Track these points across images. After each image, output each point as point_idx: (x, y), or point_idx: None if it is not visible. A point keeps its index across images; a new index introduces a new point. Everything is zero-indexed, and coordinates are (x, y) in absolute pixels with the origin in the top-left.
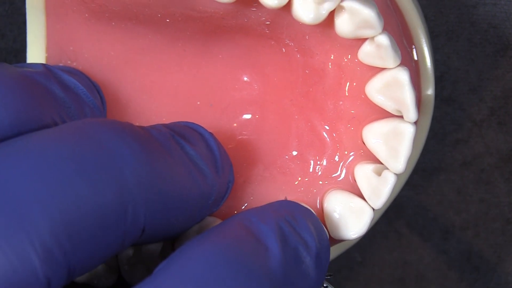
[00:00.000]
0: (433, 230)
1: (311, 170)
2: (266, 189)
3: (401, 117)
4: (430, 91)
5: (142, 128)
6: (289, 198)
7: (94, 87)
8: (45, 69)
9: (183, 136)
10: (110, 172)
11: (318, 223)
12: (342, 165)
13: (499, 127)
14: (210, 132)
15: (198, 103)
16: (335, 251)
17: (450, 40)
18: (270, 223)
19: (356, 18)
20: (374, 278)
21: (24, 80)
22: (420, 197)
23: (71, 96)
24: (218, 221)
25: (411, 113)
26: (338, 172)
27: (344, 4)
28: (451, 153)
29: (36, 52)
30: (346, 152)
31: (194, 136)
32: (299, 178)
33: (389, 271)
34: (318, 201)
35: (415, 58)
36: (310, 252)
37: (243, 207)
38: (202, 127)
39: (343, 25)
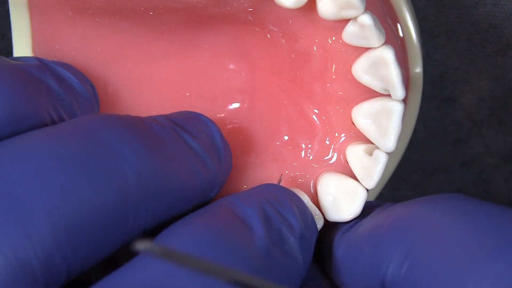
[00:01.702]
0: None
1: (302, 154)
2: (259, 176)
3: (389, 95)
4: (418, 68)
5: (143, 122)
6: (282, 185)
7: (86, 80)
8: (39, 62)
9: (185, 128)
10: (112, 173)
11: (303, 206)
12: (333, 147)
13: (499, 127)
14: (212, 122)
15: (187, 94)
16: None
17: (450, 40)
18: (254, 205)
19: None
20: None
21: (19, 73)
22: (420, 197)
23: (65, 89)
24: None
25: (398, 91)
26: (330, 155)
27: None
28: (451, 153)
29: (22, 51)
30: (336, 134)
31: (196, 127)
32: (292, 163)
33: None
34: (311, 185)
35: (401, 35)
36: (294, 233)
37: None
38: (205, 117)
39: (326, 7)
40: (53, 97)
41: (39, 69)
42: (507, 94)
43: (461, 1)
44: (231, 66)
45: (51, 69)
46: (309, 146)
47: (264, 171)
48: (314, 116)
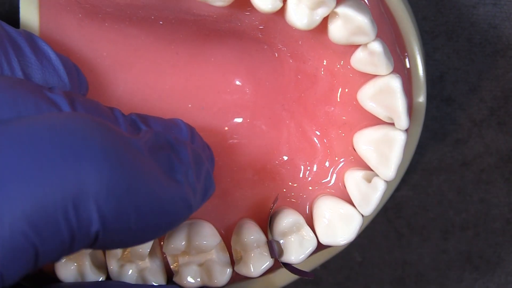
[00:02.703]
0: (433, 230)
1: (301, 175)
2: (256, 193)
3: (392, 124)
4: (421, 98)
5: (121, 132)
6: (278, 204)
7: (74, 68)
8: (23, 31)
9: (165, 140)
10: (65, 175)
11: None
12: (332, 171)
13: (499, 127)
14: (193, 133)
15: (190, 105)
16: (328, 254)
17: (450, 40)
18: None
19: (350, 25)
20: (374, 278)
21: None
22: (420, 197)
23: (39, 58)
24: (208, 224)
25: (402, 121)
26: (328, 178)
27: (338, 10)
28: (451, 153)
29: None
30: (336, 158)
31: (178, 139)
32: (290, 183)
33: (389, 271)
34: (307, 206)
35: (408, 66)
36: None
37: (232, 211)
38: (187, 128)
39: (337, 31)
40: (15, 54)
41: (17, 33)
42: (507, 94)
43: (461, 1)
44: (236, 82)
45: (31, 39)
46: (308, 167)
47: (262, 188)
48: (315, 138)
